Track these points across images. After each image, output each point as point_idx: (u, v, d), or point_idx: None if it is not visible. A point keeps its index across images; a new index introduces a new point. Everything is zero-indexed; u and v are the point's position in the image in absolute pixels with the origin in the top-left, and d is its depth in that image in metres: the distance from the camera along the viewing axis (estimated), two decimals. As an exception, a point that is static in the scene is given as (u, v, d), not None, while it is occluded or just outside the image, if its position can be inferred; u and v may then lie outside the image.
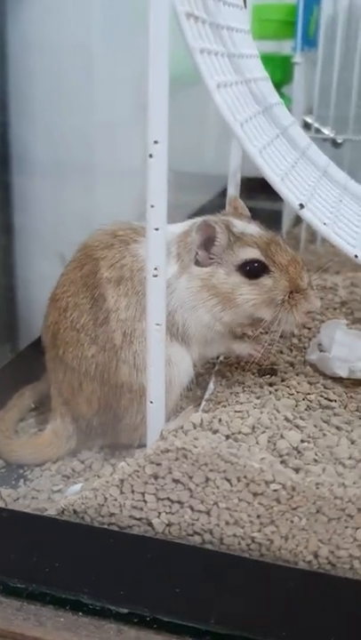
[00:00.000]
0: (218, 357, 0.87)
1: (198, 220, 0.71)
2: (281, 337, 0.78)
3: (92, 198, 1.42)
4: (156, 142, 0.55)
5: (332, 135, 1.40)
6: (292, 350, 0.86)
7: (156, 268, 0.59)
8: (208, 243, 0.69)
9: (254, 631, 0.57)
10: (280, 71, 1.44)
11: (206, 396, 0.78)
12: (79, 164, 1.42)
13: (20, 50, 1.38)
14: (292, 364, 0.81)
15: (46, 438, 0.75)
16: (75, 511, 0.59)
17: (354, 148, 1.37)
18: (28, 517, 0.61)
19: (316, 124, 1.40)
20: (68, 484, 0.72)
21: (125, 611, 0.60)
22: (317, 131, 1.41)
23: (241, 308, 0.70)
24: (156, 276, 0.59)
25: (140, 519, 0.58)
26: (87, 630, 0.60)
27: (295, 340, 0.88)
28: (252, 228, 0.72)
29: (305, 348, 0.86)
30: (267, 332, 0.74)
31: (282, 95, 1.48)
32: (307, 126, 1.44)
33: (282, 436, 0.60)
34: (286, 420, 0.62)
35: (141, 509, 0.58)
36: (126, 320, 0.70)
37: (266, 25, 1.40)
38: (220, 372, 0.83)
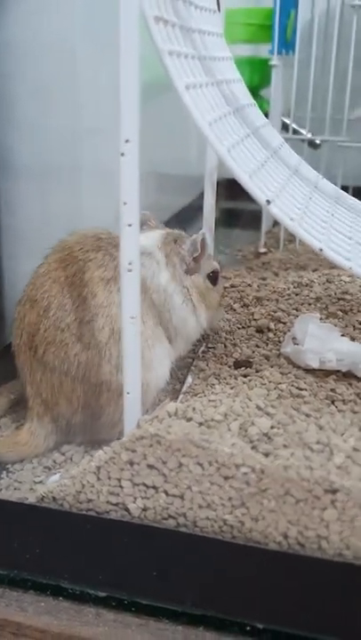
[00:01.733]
0: (196, 352, 0.90)
1: (195, 235, 0.82)
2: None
3: (77, 200, 1.43)
4: (127, 141, 0.57)
5: (309, 136, 1.43)
6: (267, 344, 0.89)
7: (130, 263, 0.61)
8: (201, 255, 0.81)
9: (229, 611, 0.59)
10: (258, 74, 1.47)
11: (184, 389, 0.80)
12: (64, 166, 1.44)
13: (2, 53, 1.39)
14: (267, 357, 0.83)
15: (23, 437, 0.76)
16: (54, 498, 0.61)
17: (330, 148, 1.40)
18: (8, 505, 0.63)
19: (294, 125, 1.43)
20: (50, 475, 0.73)
21: (104, 594, 0.62)
22: (295, 131, 1.44)
23: (213, 309, 0.85)
24: (130, 270, 0.61)
25: (116, 504, 0.60)
26: (67, 614, 0.62)
27: (271, 335, 0.91)
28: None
29: (280, 342, 0.88)
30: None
31: (260, 98, 1.52)
32: (285, 127, 1.47)
33: (253, 423, 0.62)
34: (258, 407, 0.65)
35: (118, 495, 0.60)
36: (117, 316, 0.72)
37: (243, 28, 1.43)
38: (198, 365, 0.85)
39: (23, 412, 0.84)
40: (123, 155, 0.58)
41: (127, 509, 0.60)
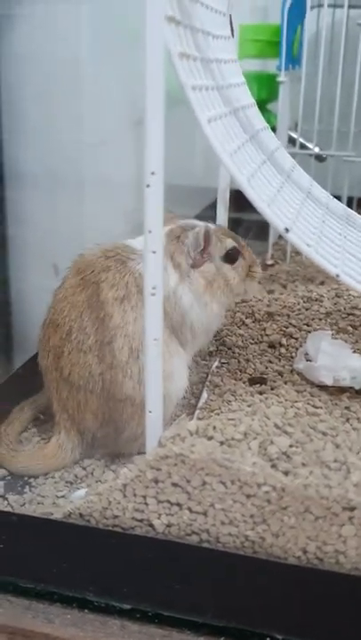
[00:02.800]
0: (210, 367, 0.92)
1: (193, 225, 0.81)
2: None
3: (83, 211, 1.46)
4: (153, 173, 0.60)
5: (316, 150, 1.45)
6: (280, 359, 0.91)
7: (153, 288, 0.63)
8: (205, 246, 0.80)
9: (249, 623, 0.62)
10: (265, 89, 1.50)
11: (200, 405, 0.83)
12: (70, 176, 1.47)
13: (11, 66, 1.42)
14: (280, 373, 0.86)
15: (51, 450, 0.79)
16: (80, 514, 0.64)
17: (337, 162, 1.43)
18: (36, 521, 0.65)
19: (301, 139, 1.45)
20: (72, 489, 0.76)
21: (128, 607, 0.64)
22: (302, 146, 1.46)
23: (235, 290, 0.83)
24: (153, 294, 0.64)
25: (141, 521, 0.63)
26: (93, 626, 0.64)
27: (283, 350, 0.93)
28: (211, 225, 0.84)
29: (292, 357, 0.91)
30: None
31: (267, 112, 1.54)
32: (292, 141, 1.50)
33: (272, 442, 0.64)
34: (276, 426, 0.67)
35: (143, 511, 0.62)
36: (134, 334, 0.75)
37: (251, 45, 1.46)
38: (213, 381, 0.87)
39: (44, 427, 0.87)
40: (148, 186, 0.60)
41: (152, 525, 0.62)
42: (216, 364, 0.92)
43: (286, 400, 0.74)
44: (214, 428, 0.66)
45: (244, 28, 1.44)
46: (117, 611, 0.65)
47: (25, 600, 0.67)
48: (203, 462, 0.60)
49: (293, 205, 0.70)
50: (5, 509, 0.71)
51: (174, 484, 0.61)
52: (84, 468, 0.79)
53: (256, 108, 0.88)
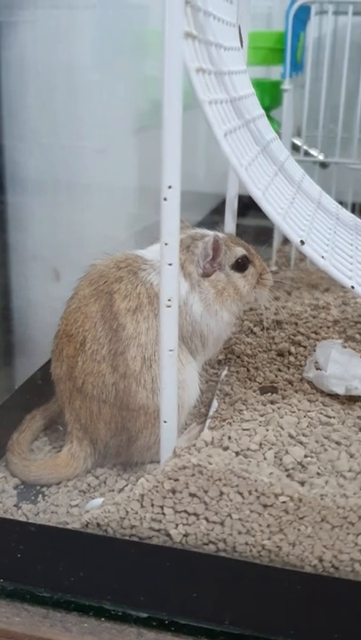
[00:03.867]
0: (219, 376, 0.93)
1: (203, 234, 0.82)
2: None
3: (85, 216, 1.47)
4: (170, 187, 0.60)
5: (320, 157, 1.46)
6: (289, 368, 0.92)
7: (169, 300, 0.64)
8: (214, 256, 0.80)
9: (265, 630, 0.62)
10: (269, 96, 1.50)
11: (211, 414, 0.83)
12: (72, 183, 1.48)
13: (13, 72, 1.43)
14: (290, 382, 0.87)
15: (64, 459, 0.80)
16: (98, 524, 0.64)
17: (340, 168, 1.44)
18: (54, 531, 0.66)
19: (305, 147, 1.46)
20: (85, 498, 0.76)
21: (145, 615, 0.65)
22: (306, 153, 1.47)
23: (245, 298, 0.83)
24: (169, 306, 0.64)
25: (159, 530, 0.63)
26: (110, 634, 0.65)
27: (292, 358, 0.94)
28: (220, 234, 0.85)
29: (301, 366, 0.92)
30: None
31: (271, 119, 1.55)
32: (295, 148, 1.51)
33: (287, 452, 0.65)
34: (290, 436, 0.68)
35: (160, 521, 0.63)
36: (146, 344, 0.76)
37: (255, 52, 1.46)
38: (223, 390, 0.88)
39: (56, 435, 0.88)
40: (165, 199, 0.61)
41: (169, 535, 0.63)
42: (225, 372, 0.93)
43: (299, 410, 0.75)
44: (229, 438, 0.67)
45: (248, 35, 1.44)
46: (134, 619, 0.65)
47: (42, 609, 0.67)
48: (220, 473, 0.61)
49: (306, 217, 0.71)
50: (20, 519, 0.72)
51: (192, 495, 0.62)
52: (97, 477, 0.80)
53: (265, 118, 0.89)
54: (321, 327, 1.00)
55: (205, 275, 0.80)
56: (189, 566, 0.63)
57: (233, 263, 0.82)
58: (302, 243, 0.63)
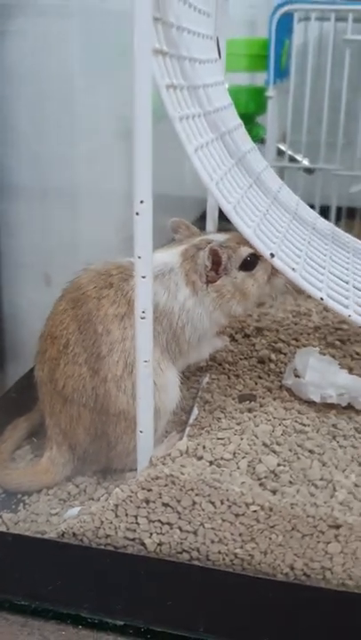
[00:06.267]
0: (201, 384, 0.94)
1: (208, 240, 0.82)
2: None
3: (76, 222, 1.47)
4: (142, 202, 0.61)
5: (305, 163, 1.47)
6: (269, 375, 0.93)
7: (143, 312, 0.65)
8: (216, 264, 0.80)
9: (239, 638, 0.63)
10: (254, 102, 1.51)
11: (190, 422, 0.84)
12: (62, 188, 1.48)
13: (3, 77, 1.43)
14: (269, 389, 0.88)
15: (43, 466, 0.81)
16: (74, 534, 0.65)
17: (325, 173, 1.45)
18: (31, 541, 0.67)
19: (290, 152, 1.47)
20: (65, 507, 0.77)
21: (122, 623, 0.66)
22: (291, 158, 1.48)
23: (253, 296, 0.83)
24: (143, 318, 0.65)
25: (133, 540, 0.64)
26: (87, 642, 0.66)
27: (272, 365, 0.95)
28: (225, 235, 0.85)
29: (281, 373, 0.93)
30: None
31: (256, 125, 1.56)
32: (280, 154, 1.52)
33: (260, 461, 0.66)
34: (264, 445, 0.69)
35: (134, 531, 0.64)
36: (130, 349, 0.76)
37: (239, 59, 1.48)
38: (203, 397, 0.89)
39: (37, 444, 0.88)
40: (137, 214, 0.62)
41: (143, 544, 0.64)
42: (207, 379, 0.94)
43: (275, 418, 0.76)
44: (204, 447, 0.68)
45: (232, 42, 1.45)
46: (111, 627, 0.66)
47: (20, 617, 0.68)
48: (192, 483, 0.62)
49: (279, 228, 0.72)
50: (0, 528, 0.73)
51: (165, 504, 0.63)
52: (77, 486, 0.80)
53: (243, 128, 0.89)
54: (302, 334, 1.01)
55: (210, 282, 0.81)
56: (164, 575, 0.64)
57: (240, 264, 0.82)
58: (272, 256, 0.64)
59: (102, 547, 0.65)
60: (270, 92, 1.38)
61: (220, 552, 0.63)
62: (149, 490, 0.63)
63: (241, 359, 0.97)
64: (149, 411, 0.69)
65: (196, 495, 0.62)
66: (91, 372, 0.77)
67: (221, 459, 0.66)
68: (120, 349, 0.76)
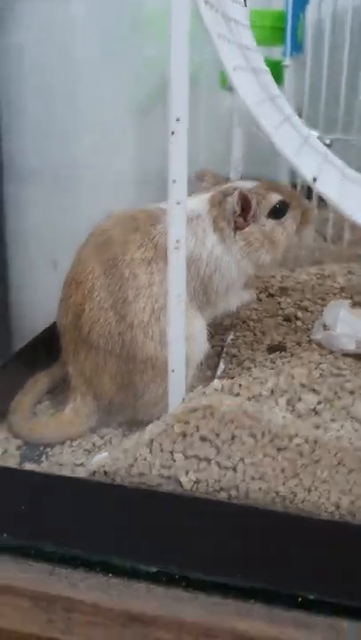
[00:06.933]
0: (225, 340, 0.91)
1: (234, 187, 0.79)
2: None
3: (84, 207, 1.45)
4: (178, 120, 0.58)
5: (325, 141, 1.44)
6: (296, 332, 0.90)
7: (177, 241, 0.62)
8: (245, 209, 0.78)
9: (280, 582, 0.60)
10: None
11: (218, 374, 0.81)
12: (70, 170, 1.46)
13: (9, 58, 1.41)
14: (298, 344, 0.85)
15: (67, 417, 0.78)
16: (105, 472, 0.62)
17: (343, 148, 1.42)
18: (59, 480, 0.63)
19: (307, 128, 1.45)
20: (90, 457, 0.74)
21: (154, 569, 0.62)
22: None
23: (282, 246, 0.81)
24: (177, 248, 0.62)
25: (168, 478, 0.61)
26: (118, 590, 0.62)
27: (299, 323, 0.92)
28: (253, 182, 0.82)
29: (308, 330, 0.90)
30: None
31: (271, 99, 1.53)
32: (297, 128, 1.49)
33: (300, 399, 0.63)
34: (302, 385, 0.66)
35: (170, 468, 0.61)
36: (158, 295, 0.74)
37: (255, 31, 1.45)
38: (230, 352, 0.86)
39: (58, 400, 0.85)
40: (173, 133, 0.59)
41: (179, 482, 0.61)
42: (231, 336, 0.91)
43: (310, 362, 0.73)
44: (240, 386, 0.65)
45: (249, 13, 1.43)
46: (143, 574, 0.63)
47: (47, 565, 0.65)
48: (233, 414, 0.58)
49: (315, 162, 0.69)
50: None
51: (203, 438, 0.60)
52: (102, 437, 0.77)
53: (271, 76, 0.87)
54: (327, 294, 0.98)
55: (238, 229, 0.79)
56: (200, 515, 0.60)
57: (269, 211, 0.80)
58: (315, 180, 0.61)
59: (135, 486, 0.62)
60: (287, 61, 1.35)
61: (260, 489, 0.59)
62: (186, 422, 0.59)
63: (266, 317, 0.94)
64: (181, 349, 0.66)
65: (236, 428, 0.59)
66: (117, 317, 0.74)
67: (259, 395, 0.63)
68: (147, 295, 0.74)
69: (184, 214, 0.61)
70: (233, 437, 0.59)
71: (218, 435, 0.59)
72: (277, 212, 0.80)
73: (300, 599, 0.59)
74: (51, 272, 1.52)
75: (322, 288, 1.01)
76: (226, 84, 1.42)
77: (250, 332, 0.90)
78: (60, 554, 0.64)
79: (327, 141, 1.45)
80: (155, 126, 1.47)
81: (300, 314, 0.93)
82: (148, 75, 1.51)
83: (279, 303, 0.96)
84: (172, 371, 0.66)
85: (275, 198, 0.80)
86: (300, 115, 1.46)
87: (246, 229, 0.79)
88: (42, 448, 0.77)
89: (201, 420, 0.59)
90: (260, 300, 0.99)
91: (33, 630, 0.64)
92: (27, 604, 0.63)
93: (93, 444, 0.76)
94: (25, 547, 0.65)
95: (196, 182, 0.87)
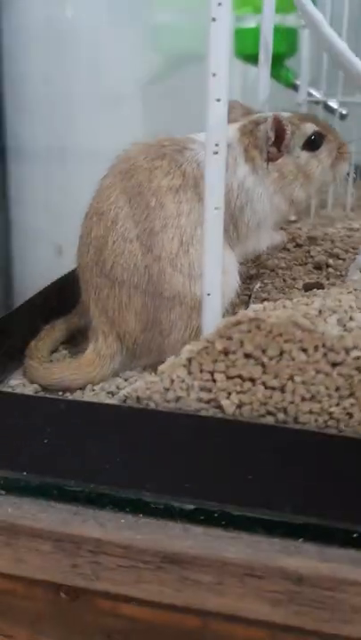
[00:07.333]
0: (252, 289, 0.85)
1: (266, 116, 0.74)
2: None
3: (89, 192, 1.41)
4: (219, 4, 0.53)
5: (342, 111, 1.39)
6: (329, 278, 0.84)
7: (217, 144, 0.57)
8: (279, 137, 0.73)
9: (333, 518, 0.54)
10: (285, 42, 1.44)
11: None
12: (73, 151, 1.42)
13: (13, 39, 1.38)
14: (334, 285, 0.79)
15: (88, 358, 0.71)
16: (138, 398, 0.56)
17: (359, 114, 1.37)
18: (86, 407, 0.57)
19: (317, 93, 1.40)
20: (115, 399, 0.68)
21: (191, 507, 0.56)
22: (326, 106, 1.40)
23: (317, 180, 0.76)
24: (216, 152, 0.57)
25: (208, 402, 0.55)
26: (150, 529, 0.56)
27: (331, 270, 0.86)
28: (287, 113, 0.77)
29: (342, 276, 0.84)
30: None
31: (285, 68, 1.49)
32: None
33: (351, 318, 0.57)
34: (351, 307, 0.60)
35: (210, 390, 0.55)
36: (186, 226, 0.68)
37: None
38: (259, 297, 0.80)
39: (74, 350, 0.79)
40: (214, 20, 0.53)
41: (220, 407, 0.55)
42: (259, 284, 0.85)
43: (356, 290, 0.67)
44: (284, 306, 0.59)
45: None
46: (178, 512, 0.57)
47: (71, 506, 0.59)
48: (282, 326, 0.53)
49: None
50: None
51: (247, 355, 0.54)
52: (126, 380, 0.71)
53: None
54: (359, 243, 0.93)
55: (271, 159, 0.74)
56: (244, 442, 0.54)
57: (304, 142, 0.75)
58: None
59: (171, 412, 0.56)
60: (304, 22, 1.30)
61: (311, 412, 0.53)
62: (229, 338, 0.53)
63: (295, 265, 0.88)
64: (217, 271, 0.60)
65: (286, 342, 0.53)
66: (143, 248, 0.68)
67: (307, 314, 0.57)
68: (175, 225, 0.68)
69: (225, 113, 0.56)
70: (282, 353, 0.53)
71: (264, 351, 0.53)
72: (313, 144, 0.75)
73: (355, 535, 0.53)
74: (55, 258, 1.48)
75: (352, 239, 0.95)
76: (240, 54, 1.38)
77: (279, 279, 0.85)
78: (86, 492, 0.58)
79: (344, 111, 1.41)
80: (164, 98, 1.44)
81: (331, 261, 0.87)
82: (159, 44, 1.47)
83: (308, 252, 0.90)
84: (208, 294, 0.60)
85: (310, 128, 0.75)
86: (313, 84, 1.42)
87: (280, 160, 0.74)
88: (60, 394, 0.71)
89: (246, 335, 0.53)
90: (288, 249, 0.93)
91: (55, 578, 0.58)
92: (48, 547, 0.57)
93: (117, 387, 0.70)
94: (47, 486, 0.59)
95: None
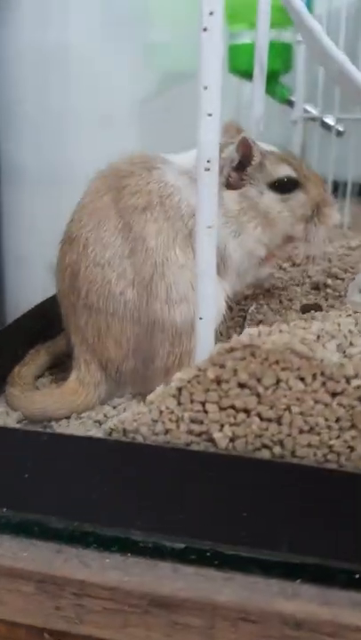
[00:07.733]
0: (247, 310, 0.82)
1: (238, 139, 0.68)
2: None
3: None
4: (211, 13, 0.50)
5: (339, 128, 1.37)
6: (327, 299, 0.81)
7: (208, 161, 0.54)
8: (244, 162, 0.67)
9: (334, 557, 0.50)
10: (280, 59, 1.42)
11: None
12: (67, 176, 1.40)
13: (6, 60, 1.37)
14: (332, 307, 0.76)
15: (71, 387, 0.68)
16: (124, 430, 0.52)
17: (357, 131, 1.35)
18: (70, 441, 0.54)
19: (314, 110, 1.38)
20: (101, 431, 0.64)
21: (182, 545, 0.53)
22: (323, 123, 1.38)
23: (278, 227, 0.69)
24: (208, 169, 0.54)
25: (199, 434, 0.51)
26: (139, 569, 0.53)
27: (329, 290, 0.83)
28: (273, 147, 0.71)
29: (340, 297, 0.81)
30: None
31: (280, 85, 1.47)
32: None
33: (351, 344, 0.54)
34: (350, 331, 0.57)
35: (201, 422, 0.51)
36: (157, 248, 0.65)
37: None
38: (255, 319, 0.77)
39: (59, 376, 0.76)
40: (205, 30, 0.50)
41: (212, 440, 0.51)
42: (254, 306, 0.82)
43: (356, 312, 0.64)
44: (280, 331, 0.55)
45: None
46: (168, 551, 0.53)
47: (54, 544, 0.55)
48: (278, 353, 0.49)
49: None
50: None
51: (241, 385, 0.50)
52: (114, 407, 0.68)
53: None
54: (358, 262, 0.90)
55: (230, 186, 0.68)
56: (238, 478, 0.51)
57: (271, 181, 0.69)
58: None
59: (160, 446, 0.52)
60: (300, 37, 1.29)
61: (310, 445, 0.50)
62: (222, 366, 0.50)
63: (292, 285, 0.85)
64: (210, 293, 0.57)
65: (282, 370, 0.49)
66: (115, 274, 0.64)
67: (304, 339, 0.53)
68: (144, 248, 0.65)
69: (217, 129, 0.53)
70: (278, 382, 0.49)
71: (260, 379, 0.50)
72: (280, 187, 0.69)
73: (357, 576, 0.50)
74: (48, 278, 1.45)
75: (351, 258, 0.92)
76: (235, 70, 1.36)
77: (275, 300, 0.82)
78: (70, 530, 0.54)
79: (340, 128, 1.39)
80: (159, 117, 1.42)
81: (329, 281, 0.84)
82: (154, 63, 1.46)
83: (306, 271, 0.87)
84: (201, 318, 0.56)
85: (284, 171, 0.69)
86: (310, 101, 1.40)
87: (240, 191, 0.68)
88: (44, 423, 0.67)
89: (240, 362, 0.50)
90: (285, 269, 0.90)
91: (36, 621, 0.54)
92: (30, 588, 0.53)
93: (105, 415, 0.67)
94: (28, 523, 0.55)
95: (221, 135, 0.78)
